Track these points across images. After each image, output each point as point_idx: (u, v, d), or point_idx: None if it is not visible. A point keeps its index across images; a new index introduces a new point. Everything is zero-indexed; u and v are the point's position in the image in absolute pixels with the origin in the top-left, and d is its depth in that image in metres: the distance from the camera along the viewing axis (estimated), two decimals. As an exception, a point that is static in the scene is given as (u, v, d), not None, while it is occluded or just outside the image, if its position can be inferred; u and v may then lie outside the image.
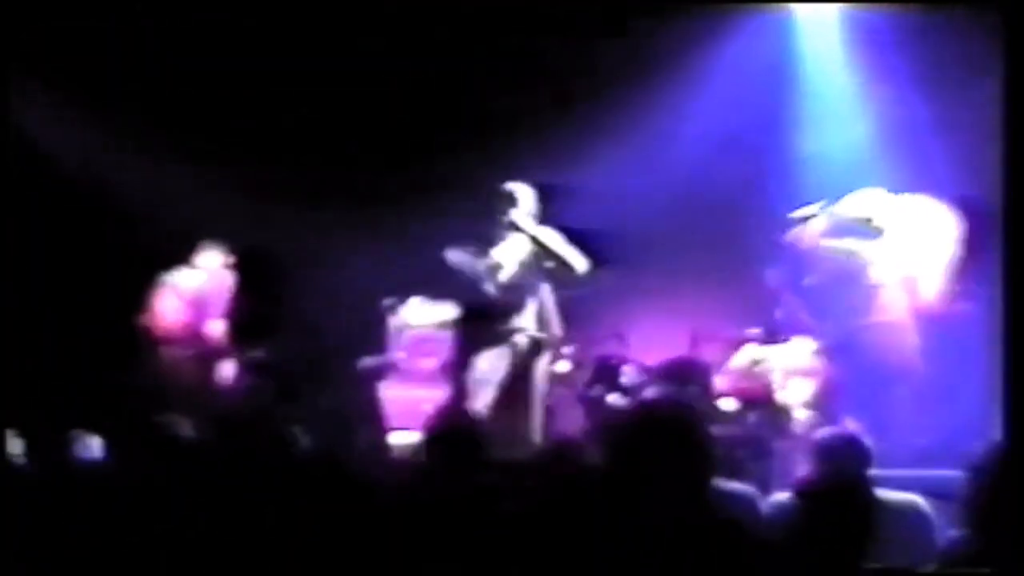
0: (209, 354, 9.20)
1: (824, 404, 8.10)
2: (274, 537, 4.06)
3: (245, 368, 9.29)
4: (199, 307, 9.24)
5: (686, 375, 8.57)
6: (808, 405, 8.19)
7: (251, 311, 9.46)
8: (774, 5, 9.59)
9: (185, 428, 5.06)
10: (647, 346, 9.44)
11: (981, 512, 3.94)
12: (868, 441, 5.29)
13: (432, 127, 10.17)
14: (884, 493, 5.05)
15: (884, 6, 9.29)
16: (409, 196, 10.01)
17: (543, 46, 9.82)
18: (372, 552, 3.87)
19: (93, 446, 5.46)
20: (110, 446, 5.27)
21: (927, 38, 8.97)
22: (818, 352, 8.23)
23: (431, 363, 9.33)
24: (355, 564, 3.88)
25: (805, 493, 4.00)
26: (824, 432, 5.41)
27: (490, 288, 7.70)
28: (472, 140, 9.93)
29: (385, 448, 8.63)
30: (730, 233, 9.44)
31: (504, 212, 7.68)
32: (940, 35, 8.89)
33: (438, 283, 9.23)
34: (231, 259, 9.46)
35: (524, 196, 7.74)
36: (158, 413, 5.75)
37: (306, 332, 9.69)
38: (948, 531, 4.50)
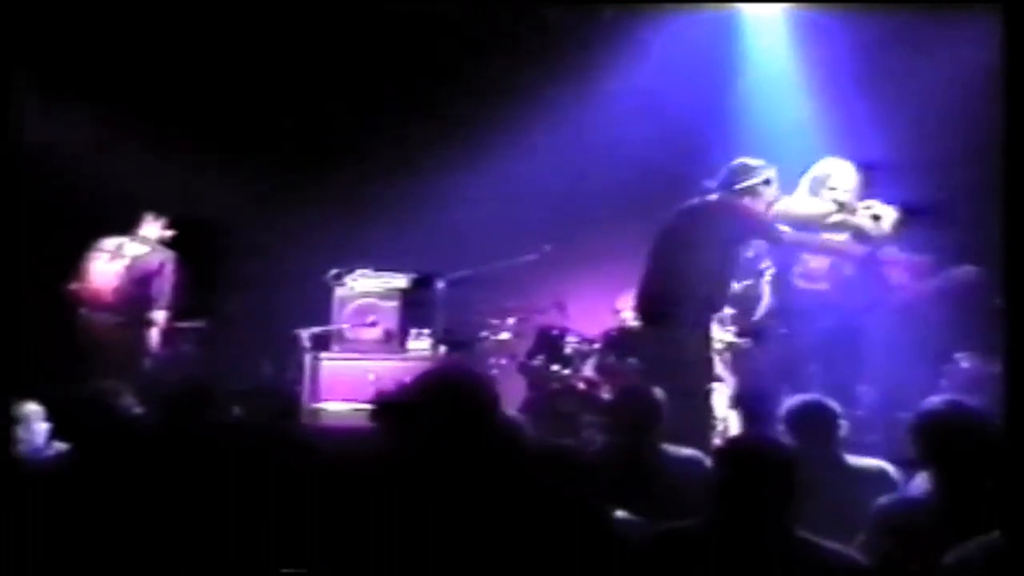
0: (145, 322, 9.01)
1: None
2: (217, 507, 3.89)
3: (183, 338, 9.26)
4: (136, 275, 9.05)
5: (627, 345, 8.55)
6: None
7: (191, 281, 9.26)
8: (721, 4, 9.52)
9: (120, 395, 4.90)
10: (587, 317, 9.31)
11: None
12: (836, 407, 5.16)
13: (371, 104, 10.04)
14: (854, 459, 5.01)
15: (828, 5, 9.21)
16: (357, 165, 9.93)
17: (490, 30, 9.73)
18: (316, 520, 3.68)
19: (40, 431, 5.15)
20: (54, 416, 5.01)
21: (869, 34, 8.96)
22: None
23: (375, 332, 9.26)
24: (298, 532, 3.74)
25: (722, 451, 4.04)
26: (794, 399, 5.29)
27: None
28: (410, 121, 9.93)
29: (327, 417, 8.60)
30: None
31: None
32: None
33: (382, 253, 9.29)
34: (171, 229, 9.29)
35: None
36: (92, 379, 5.57)
37: (249, 302, 9.59)
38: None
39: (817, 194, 7.58)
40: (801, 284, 7.62)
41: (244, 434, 4.81)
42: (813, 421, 5.08)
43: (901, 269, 7.57)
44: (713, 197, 7.34)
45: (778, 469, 3.76)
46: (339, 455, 4.40)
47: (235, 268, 9.95)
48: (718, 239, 7.25)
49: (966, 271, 7.53)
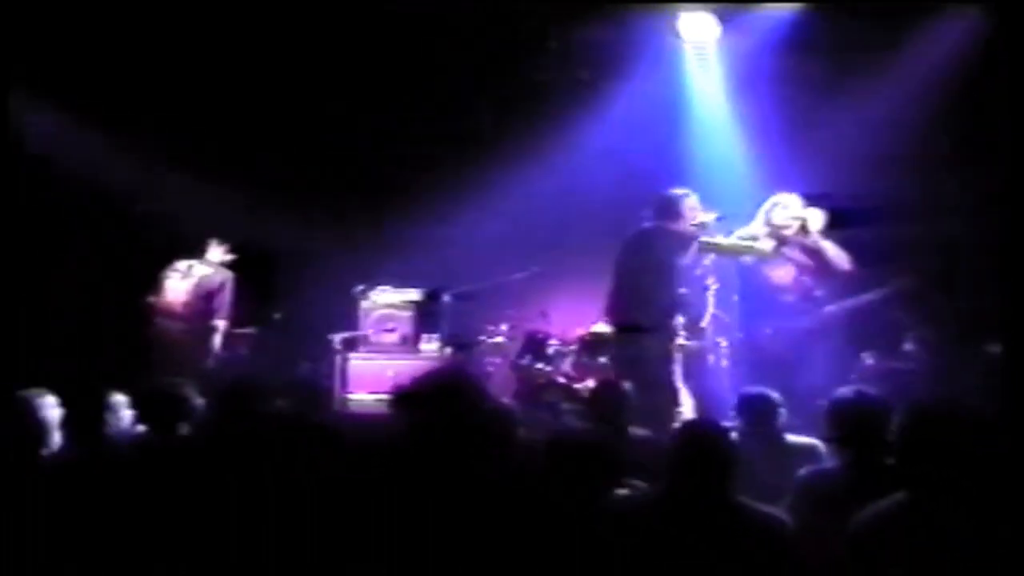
0: (208, 329, 8.97)
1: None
2: (262, 475, 3.87)
3: (238, 342, 9.22)
4: (202, 291, 9.02)
5: (597, 348, 8.55)
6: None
7: (245, 295, 9.23)
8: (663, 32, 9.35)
9: (186, 390, 4.89)
10: (566, 324, 9.25)
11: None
12: (777, 397, 5.19)
13: (393, 147, 10.00)
14: (792, 438, 5.04)
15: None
16: (379, 201, 9.85)
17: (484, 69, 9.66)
18: (344, 496, 3.65)
19: (125, 416, 5.10)
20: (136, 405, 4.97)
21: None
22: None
23: (393, 337, 9.26)
24: (326, 496, 3.67)
25: (676, 433, 4.02)
26: (743, 391, 5.35)
27: None
28: (422, 166, 9.89)
29: (354, 406, 8.58)
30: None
31: None
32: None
33: (400, 272, 9.31)
34: (231, 254, 9.27)
35: None
36: (166, 375, 5.55)
37: (292, 312, 9.53)
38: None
39: (769, 224, 7.63)
40: (768, 294, 7.65)
41: (286, 420, 4.78)
42: (758, 408, 5.11)
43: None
44: (649, 225, 7.54)
45: (718, 447, 3.76)
46: (362, 436, 4.37)
47: (280, 285, 9.91)
48: (659, 257, 7.43)
49: (874, 292, 7.58)
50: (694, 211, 7.54)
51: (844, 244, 7.60)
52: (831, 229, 7.60)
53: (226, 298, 9.02)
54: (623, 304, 7.60)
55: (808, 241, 7.54)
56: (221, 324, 8.99)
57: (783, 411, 5.14)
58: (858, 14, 8.66)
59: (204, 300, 8.98)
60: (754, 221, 7.69)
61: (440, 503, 3.38)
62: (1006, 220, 7.24)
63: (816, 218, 7.56)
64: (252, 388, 4.94)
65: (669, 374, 7.31)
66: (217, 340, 8.95)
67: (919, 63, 8.54)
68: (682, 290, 7.56)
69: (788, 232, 7.56)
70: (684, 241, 7.47)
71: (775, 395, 5.19)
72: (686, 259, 7.53)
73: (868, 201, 8.50)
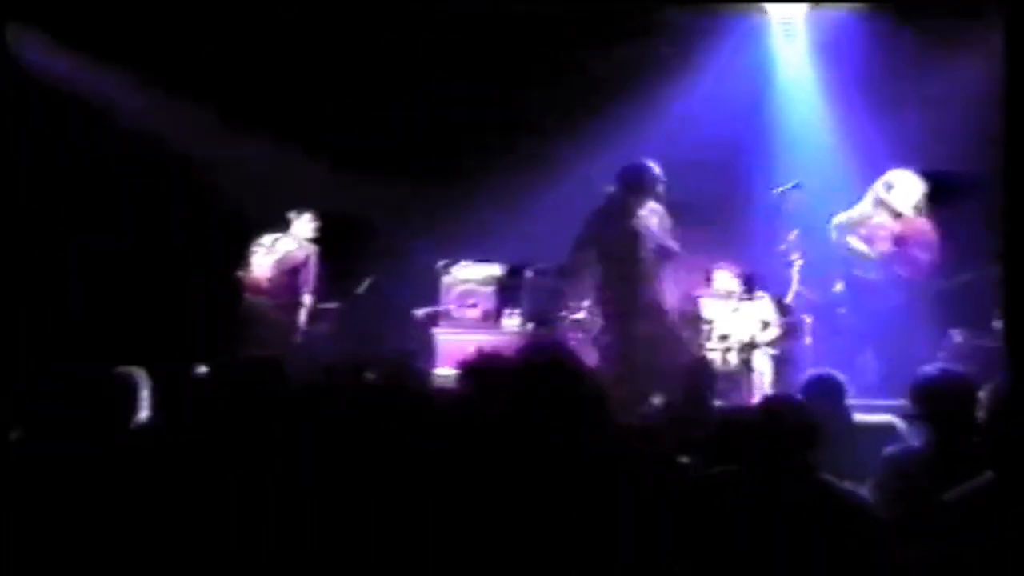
0: (295, 304, 9.09)
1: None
2: (350, 447, 3.90)
3: (323, 317, 9.31)
4: (287, 266, 9.14)
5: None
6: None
7: (330, 270, 9.33)
8: (749, 8, 9.29)
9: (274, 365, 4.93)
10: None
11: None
12: (842, 378, 5.14)
13: (478, 122, 10.02)
14: (862, 417, 4.98)
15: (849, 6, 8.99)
16: (463, 177, 9.90)
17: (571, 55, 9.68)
18: (417, 463, 3.69)
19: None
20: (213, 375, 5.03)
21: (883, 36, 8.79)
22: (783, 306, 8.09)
23: (475, 312, 9.29)
24: (409, 466, 3.71)
25: (757, 408, 4.03)
26: (809, 372, 5.29)
27: None
28: (506, 134, 9.90)
29: (437, 381, 8.62)
30: (717, 208, 9.21)
31: None
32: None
33: (482, 247, 9.36)
34: (318, 227, 9.36)
35: None
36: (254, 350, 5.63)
37: (375, 287, 9.56)
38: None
39: (882, 201, 7.55)
40: (858, 273, 7.59)
41: (373, 394, 4.82)
42: (824, 391, 5.05)
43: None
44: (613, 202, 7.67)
45: (798, 422, 3.73)
46: (447, 410, 4.40)
47: (364, 259, 9.94)
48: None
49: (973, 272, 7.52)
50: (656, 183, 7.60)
51: (943, 220, 7.50)
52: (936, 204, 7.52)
53: (311, 272, 9.15)
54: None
55: (910, 215, 7.48)
56: (308, 299, 9.11)
57: (845, 392, 5.09)
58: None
59: (289, 275, 9.09)
60: (864, 200, 7.62)
61: (536, 476, 3.41)
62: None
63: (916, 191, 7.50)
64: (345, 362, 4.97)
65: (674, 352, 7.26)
66: (303, 315, 9.07)
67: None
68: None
69: (909, 211, 7.50)
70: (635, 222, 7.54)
71: (841, 376, 5.14)
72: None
73: (968, 178, 8.35)
